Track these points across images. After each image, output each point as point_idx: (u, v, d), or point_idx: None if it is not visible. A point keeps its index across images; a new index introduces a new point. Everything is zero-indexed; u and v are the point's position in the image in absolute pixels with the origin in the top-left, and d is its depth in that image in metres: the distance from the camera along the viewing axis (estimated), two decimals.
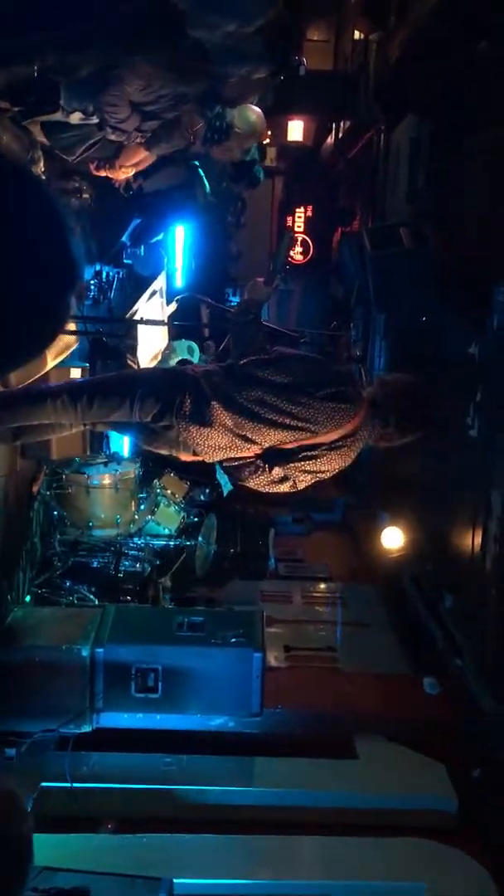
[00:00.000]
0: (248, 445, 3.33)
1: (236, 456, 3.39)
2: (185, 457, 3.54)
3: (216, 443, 3.35)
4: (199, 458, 3.50)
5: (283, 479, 3.39)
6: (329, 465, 3.36)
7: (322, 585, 7.06)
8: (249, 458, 3.37)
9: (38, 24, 3.06)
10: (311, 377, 3.25)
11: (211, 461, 3.48)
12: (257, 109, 4.95)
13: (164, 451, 3.62)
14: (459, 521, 5.34)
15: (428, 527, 6.11)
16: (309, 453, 3.31)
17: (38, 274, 1.05)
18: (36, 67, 3.46)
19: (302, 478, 3.40)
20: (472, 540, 4.98)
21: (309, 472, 3.37)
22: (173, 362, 5.95)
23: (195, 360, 6.38)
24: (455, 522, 5.49)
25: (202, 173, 6.61)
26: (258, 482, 3.41)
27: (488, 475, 4.69)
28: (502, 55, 4.85)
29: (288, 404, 3.22)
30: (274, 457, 3.33)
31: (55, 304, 1.10)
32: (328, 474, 3.43)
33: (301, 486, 3.43)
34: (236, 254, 11.94)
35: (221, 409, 3.29)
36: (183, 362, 5.18)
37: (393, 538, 6.20)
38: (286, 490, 3.45)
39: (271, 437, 3.28)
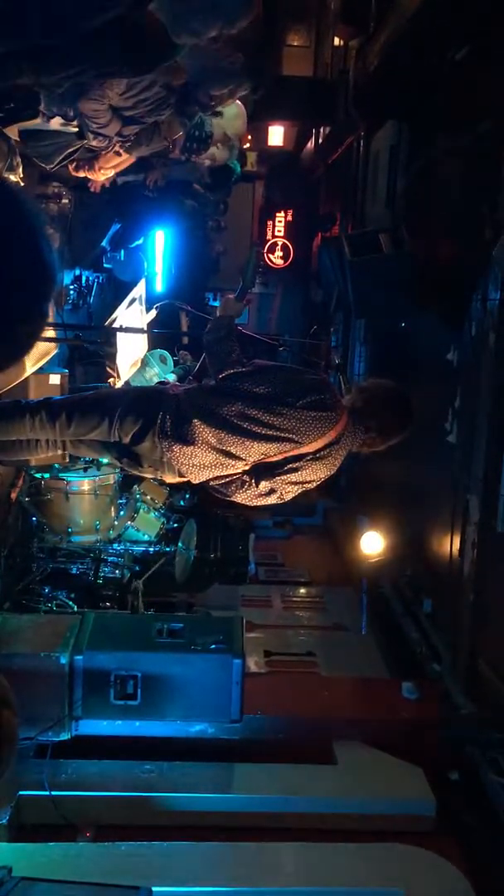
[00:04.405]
0: (234, 462, 3.33)
1: (223, 474, 3.38)
2: (171, 479, 3.53)
3: (201, 461, 3.34)
4: (185, 480, 3.50)
5: (271, 492, 3.41)
6: (315, 475, 3.37)
7: (302, 590, 7.08)
8: (236, 474, 3.38)
9: (8, 39, 3.03)
10: (291, 387, 3.25)
11: (197, 482, 3.47)
12: (238, 103, 4.96)
13: (149, 475, 3.61)
14: (438, 526, 5.38)
15: (407, 531, 6.15)
16: (294, 465, 3.31)
17: (9, 279, 1.04)
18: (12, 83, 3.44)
19: (289, 489, 3.42)
20: (450, 544, 5.02)
21: (295, 483, 3.39)
22: (147, 374, 5.96)
23: (168, 367, 6.39)
24: (434, 527, 5.53)
25: None
26: (246, 497, 3.42)
27: (466, 480, 4.72)
28: (480, 61, 4.90)
29: (269, 416, 3.22)
30: (260, 471, 3.34)
31: (29, 309, 1.09)
32: (314, 484, 3.44)
33: (288, 496, 3.46)
34: (217, 258, 11.96)
35: (203, 426, 3.28)
36: (162, 384, 5.18)
37: (373, 542, 6.22)
38: (273, 502, 3.47)
39: (256, 450, 3.28)
